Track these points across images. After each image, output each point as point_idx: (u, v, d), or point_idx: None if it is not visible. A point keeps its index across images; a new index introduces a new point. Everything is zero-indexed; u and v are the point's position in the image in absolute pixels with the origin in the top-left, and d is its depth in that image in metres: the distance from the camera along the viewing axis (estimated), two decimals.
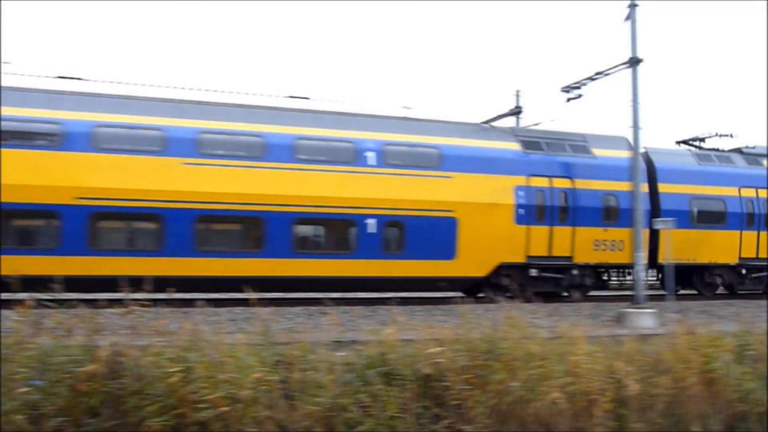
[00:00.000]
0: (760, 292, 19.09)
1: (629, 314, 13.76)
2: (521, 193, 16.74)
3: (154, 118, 14.63)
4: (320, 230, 15.98)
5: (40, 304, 7.08)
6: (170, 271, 13.74)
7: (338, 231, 15.82)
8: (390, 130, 16.44)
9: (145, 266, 13.33)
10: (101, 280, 12.31)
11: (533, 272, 16.79)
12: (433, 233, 15.89)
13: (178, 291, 10.02)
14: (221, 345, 6.94)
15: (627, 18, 15.14)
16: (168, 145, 14.44)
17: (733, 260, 18.98)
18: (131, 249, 14.44)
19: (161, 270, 13.48)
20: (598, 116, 56.28)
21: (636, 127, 15.09)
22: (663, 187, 18.33)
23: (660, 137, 40.00)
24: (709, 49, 70.11)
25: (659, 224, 16.55)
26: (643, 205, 15.96)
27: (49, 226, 13.78)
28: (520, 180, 16.80)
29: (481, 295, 15.18)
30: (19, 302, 7.02)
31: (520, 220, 16.65)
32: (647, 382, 7.98)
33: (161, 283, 9.46)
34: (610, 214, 17.50)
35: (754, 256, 19.09)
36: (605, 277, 18.73)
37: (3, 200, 13.02)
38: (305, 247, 15.37)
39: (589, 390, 7.60)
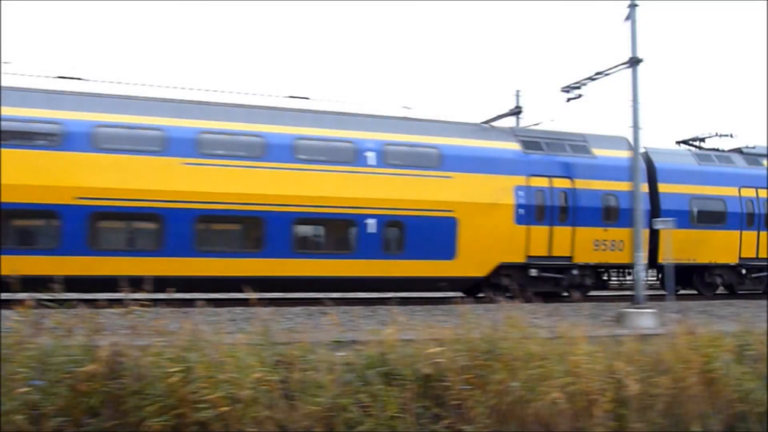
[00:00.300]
0: (760, 292, 19.09)
1: (629, 314, 13.76)
2: (521, 193, 16.74)
3: (154, 118, 14.63)
4: (320, 230, 15.98)
5: (40, 304, 7.08)
6: (170, 271, 13.74)
7: (338, 231, 15.82)
8: (390, 130, 16.43)
9: (145, 266, 13.33)
10: (101, 280, 12.32)
11: (533, 272, 16.79)
12: (433, 233, 15.89)
13: (178, 291, 10.02)
14: (221, 345, 6.94)
15: (627, 18, 15.15)
16: (168, 145, 14.44)
17: (733, 260, 18.97)
18: (131, 249, 14.44)
19: (161, 270, 13.49)
20: (598, 116, 56.33)
21: (636, 127, 15.09)
22: (663, 187, 18.32)
23: (660, 137, 40.06)
24: (709, 49, 70.17)
25: (659, 224, 16.55)
26: (643, 205, 15.96)
27: (49, 226, 13.78)
28: (520, 180, 16.81)
29: (481, 295, 15.18)
30: (19, 302, 7.01)
31: (520, 220, 16.65)
32: (647, 382, 7.97)
33: (161, 283, 9.46)
34: (610, 214, 17.50)
35: (754, 256, 19.08)
36: (605, 277, 18.74)
37: (3, 200, 13.03)
38: (305, 247, 15.37)
39: (589, 390, 7.60)
